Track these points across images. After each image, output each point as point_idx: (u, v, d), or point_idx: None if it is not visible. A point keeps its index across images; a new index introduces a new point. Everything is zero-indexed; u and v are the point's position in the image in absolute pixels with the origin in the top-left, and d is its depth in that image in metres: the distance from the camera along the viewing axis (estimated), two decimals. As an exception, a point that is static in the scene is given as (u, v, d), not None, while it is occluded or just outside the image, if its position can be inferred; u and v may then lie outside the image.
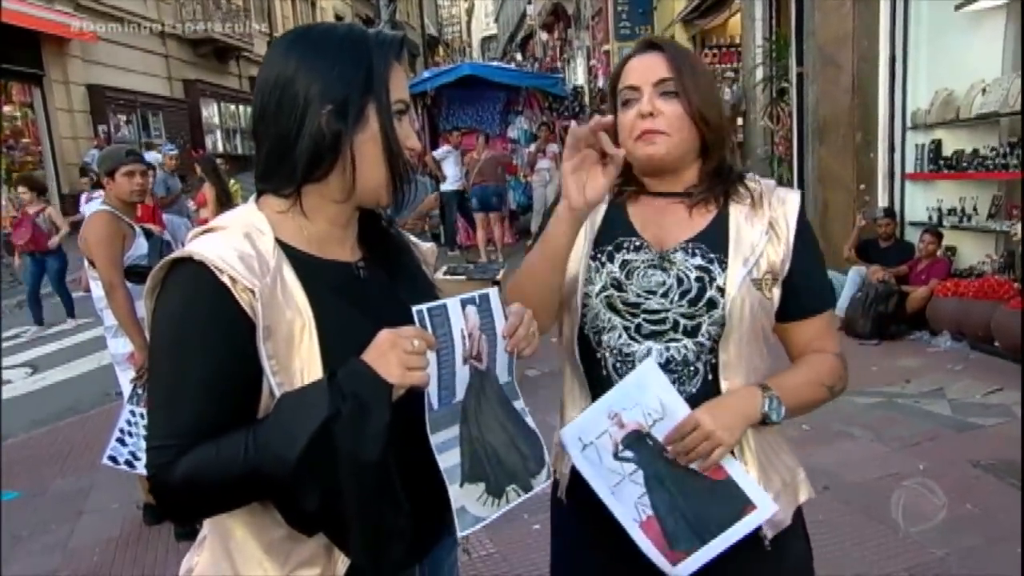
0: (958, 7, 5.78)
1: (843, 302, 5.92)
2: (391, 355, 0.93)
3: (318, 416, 0.90)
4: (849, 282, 5.97)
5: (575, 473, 1.27)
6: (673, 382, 1.20)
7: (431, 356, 0.98)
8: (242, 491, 0.95)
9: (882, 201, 6.52)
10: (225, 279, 0.94)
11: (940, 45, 6.17)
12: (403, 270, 1.16)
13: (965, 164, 5.88)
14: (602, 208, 1.31)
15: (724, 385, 1.22)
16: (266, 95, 1.03)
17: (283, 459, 0.89)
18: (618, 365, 1.24)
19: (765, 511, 1.19)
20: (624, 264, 1.26)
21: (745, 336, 1.22)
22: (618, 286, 1.25)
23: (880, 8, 6.30)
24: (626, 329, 1.24)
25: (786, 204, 1.26)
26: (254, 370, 0.96)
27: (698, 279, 1.22)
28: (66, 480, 4.05)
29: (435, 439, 1.00)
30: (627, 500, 1.21)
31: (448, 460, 1.01)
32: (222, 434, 0.93)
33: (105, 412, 4.72)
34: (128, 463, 3.11)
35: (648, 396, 1.18)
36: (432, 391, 0.99)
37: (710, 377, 1.23)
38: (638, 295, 1.24)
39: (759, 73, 9.05)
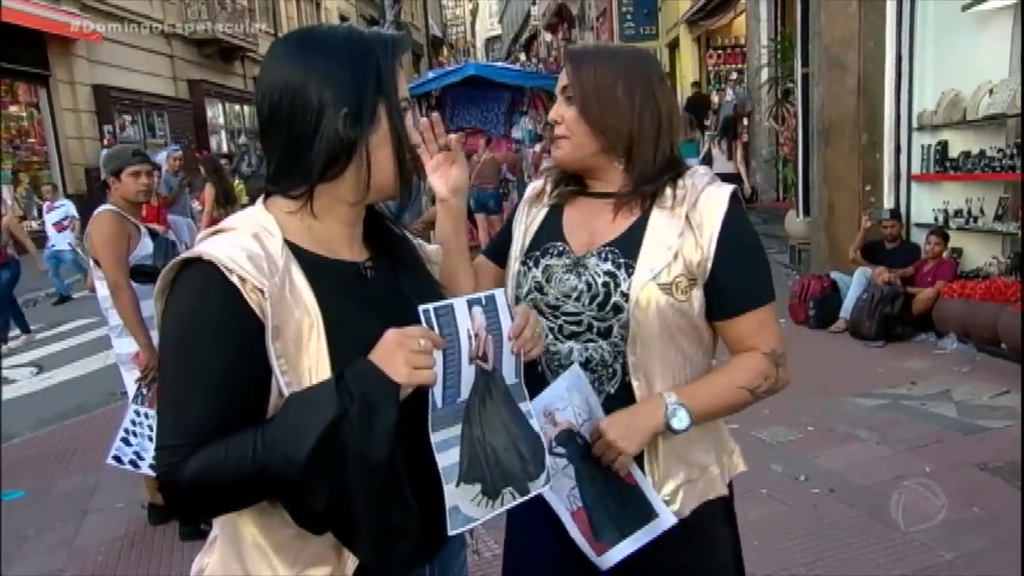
0: (965, 8, 5.76)
1: (849, 303, 5.90)
2: (398, 355, 0.94)
3: (326, 416, 0.90)
4: (855, 283, 5.95)
5: None
6: (594, 382, 1.29)
7: (437, 355, 0.98)
8: (250, 490, 0.96)
9: (888, 202, 6.51)
10: (234, 279, 0.94)
11: (947, 46, 6.15)
12: (409, 270, 1.17)
13: (971, 165, 5.86)
14: (541, 213, 1.40)
15: (635, 385, 1.27)
16: (275, 100, 1.03)
17: (292, 459, 0.90)
18: (549, 363, 1.33)
19: (664, 523, 1.27)
20: (545, 269, 1.34)
21: (655, 338, 1.25)
22: (540, 289, 1.33)
23: (887, 9, 6.29)
24: (551, 330, 1.32)
25: (712, 203, 1.27)
26: (263, 370, 0.96)
27: (604, 284, 1.28)
28: (71, 479, 4.05)
29: (435, 437, 1.00)
30: (561, 491, 1.29)
31: (447, 459, 1.01)
32: (231, 434, 0.94)
33: (110, 412, 4.73)
34: (132, 463, 3.12)
35: (576, 398, 1.26)
36: (437, 390, 0.99)
37: (627, 378, 1.29)
38: (556, 298, 1.32)
39: (764, 74, 9.05)
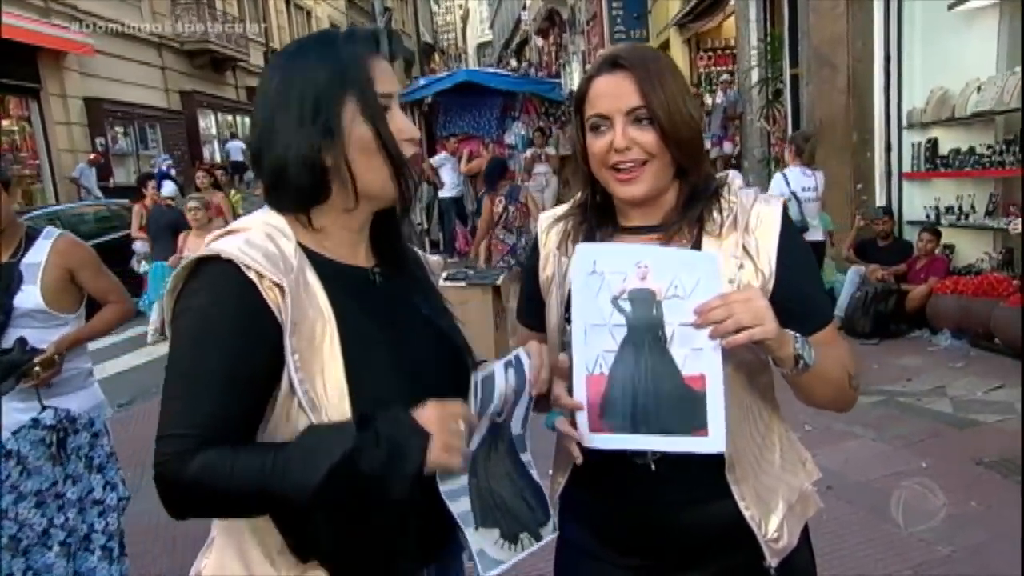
0: (951, 6, 5.81)
1: (843, 301, 5.93)
2: (438, 438, 0.96)
3: (342, 447, 0.91)
4: (848, 281, 5.98)
5: (570, 485, 1.27)
6: None
7: (471, 417, 1.03)
8: (251, 505, 0.96)
9: (879, 200, 6.55)
10: (251, 275, 0.95)
11: (934, 44, 6.20)
12: (413, 278, 1.18)
13: (961, 162, 5.90)
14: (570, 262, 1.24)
15: None
16: (257, 117, 1.04)
17: (303, 484, 0.91)
18: None
19: (713, 446, 1.07)
20: None
21: (729, 380, 1.12)
22: None
23: (874, 8, 6.34)
24: None
25: (764, 223, 1.16)
26: (275, 366, 0.96)
27: None
28: (69, 493, 4.04)
29: (444, 487, 1.03)
30: (592, 346, 1.10)
31: (460, 507, 1.05)
32: (239, 429, 0.94)
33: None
34: None
35: (689, 275, 1.07)
36: None
37: None
38: None
39: (754, 75, 9.08)
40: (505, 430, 1.10)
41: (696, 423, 1.07)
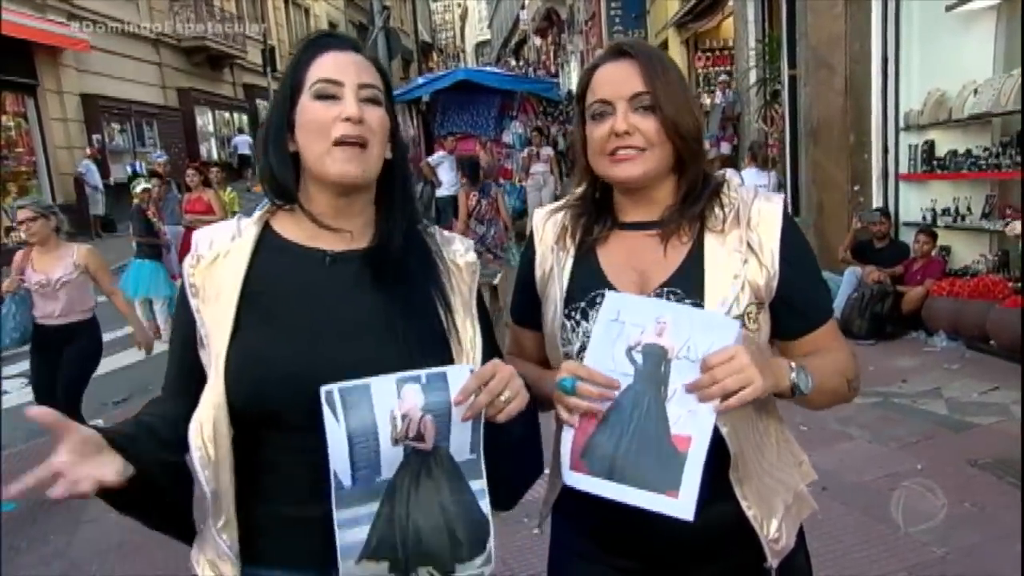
0: (949, 8, 5.82)
1: (839, 302, 5.94)
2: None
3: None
4: (845, 283, 5.99)
5: (567, 487, 1.24)
6: None
7: (341, 436, 0.95)
8: None
9: (876, 202, 6.55)
10: (191, 258, 1.11)
11: (932, 46, 6.21)
12: (403, 273, 1.12)
13: (958, 164, 5.92)
14: (569, 260, 1.23)
15: (724, 431, 1.12)
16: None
17: None
18: None
19: (680, 510, 1.07)
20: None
21: None
22: None
23: (872, 9, 6.35)
24: None
25: (765, 220, 1.17)
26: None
27: None
28: (64, 490, 4.03)
29: (340, 515, 0.98)
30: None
31: (350, 536, 0.99)
32: (176, 388, 1.13)
33: (103, 421, 4.70)
34: None
35: (704, 338, 1.06)
36: (343, 472, 0.97)
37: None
38: None
39: (752, 76, 9.09)
40: (441, 457, 1.01)
41: (670, 483, 1.07)
